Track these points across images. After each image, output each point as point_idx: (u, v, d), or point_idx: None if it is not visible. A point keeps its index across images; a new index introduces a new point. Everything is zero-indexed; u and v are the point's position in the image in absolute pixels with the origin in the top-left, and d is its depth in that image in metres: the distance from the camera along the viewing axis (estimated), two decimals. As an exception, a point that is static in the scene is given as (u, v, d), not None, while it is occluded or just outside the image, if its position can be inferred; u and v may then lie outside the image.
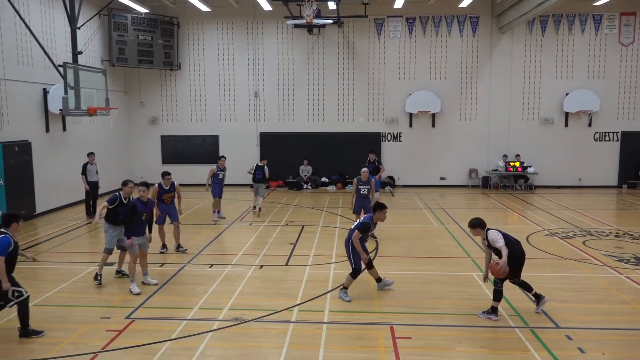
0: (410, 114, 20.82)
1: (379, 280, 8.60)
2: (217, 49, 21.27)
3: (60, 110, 14.30)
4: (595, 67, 20.24)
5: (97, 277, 9.07)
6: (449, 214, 15.43)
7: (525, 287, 7.62)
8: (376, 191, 17.14)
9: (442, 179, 21.04)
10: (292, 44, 21.09)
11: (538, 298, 7.64)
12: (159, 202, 10.90)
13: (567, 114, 20.40)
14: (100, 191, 15.49)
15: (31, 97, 15.04)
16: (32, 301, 8.04)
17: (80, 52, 14.11)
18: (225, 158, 14.76)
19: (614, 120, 20.43)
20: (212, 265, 10.19)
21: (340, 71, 21.06)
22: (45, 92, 15.45)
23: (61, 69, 12.94)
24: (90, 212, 14.99)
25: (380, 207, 8.32)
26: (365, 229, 8.07)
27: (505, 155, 20.49)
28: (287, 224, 14.08)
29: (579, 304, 8.11)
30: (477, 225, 7.48)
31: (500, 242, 7.17)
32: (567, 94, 20.21)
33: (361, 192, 11.76)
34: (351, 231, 8.19)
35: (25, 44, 14.76)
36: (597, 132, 20.51)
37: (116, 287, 8.90)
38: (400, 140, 21.11)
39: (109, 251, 9.18)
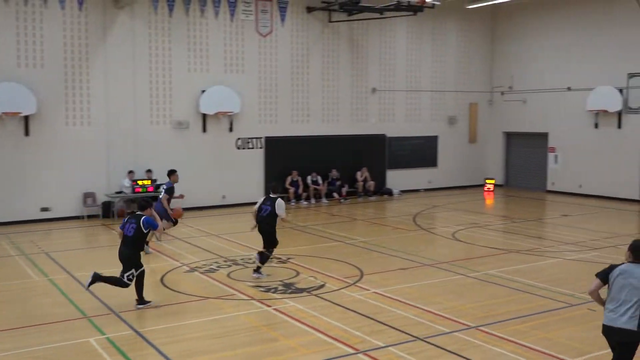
0: (-10, 117, 19.05)
1: None
2: None
3: None
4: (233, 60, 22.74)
5: None
6: (56, 259, 14.86)
7: None
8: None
9: (44, 210, 19.97)
10: None
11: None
12: None
13: (204, 115, 22.21)
14: None
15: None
16: None
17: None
18: None
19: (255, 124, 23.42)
20: None
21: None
22: None
23: None
24: None
25: None
26: None
27: (131, 172, 20.82)
28: None
29: (226, 351, 9.05)
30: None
31: None
32: (203, 91, 22.02)
33: None
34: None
35: None
36: (239, 138, 23.08)
37: None
38: None
39: None
